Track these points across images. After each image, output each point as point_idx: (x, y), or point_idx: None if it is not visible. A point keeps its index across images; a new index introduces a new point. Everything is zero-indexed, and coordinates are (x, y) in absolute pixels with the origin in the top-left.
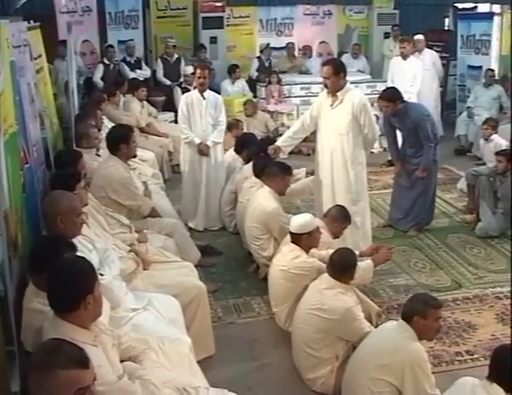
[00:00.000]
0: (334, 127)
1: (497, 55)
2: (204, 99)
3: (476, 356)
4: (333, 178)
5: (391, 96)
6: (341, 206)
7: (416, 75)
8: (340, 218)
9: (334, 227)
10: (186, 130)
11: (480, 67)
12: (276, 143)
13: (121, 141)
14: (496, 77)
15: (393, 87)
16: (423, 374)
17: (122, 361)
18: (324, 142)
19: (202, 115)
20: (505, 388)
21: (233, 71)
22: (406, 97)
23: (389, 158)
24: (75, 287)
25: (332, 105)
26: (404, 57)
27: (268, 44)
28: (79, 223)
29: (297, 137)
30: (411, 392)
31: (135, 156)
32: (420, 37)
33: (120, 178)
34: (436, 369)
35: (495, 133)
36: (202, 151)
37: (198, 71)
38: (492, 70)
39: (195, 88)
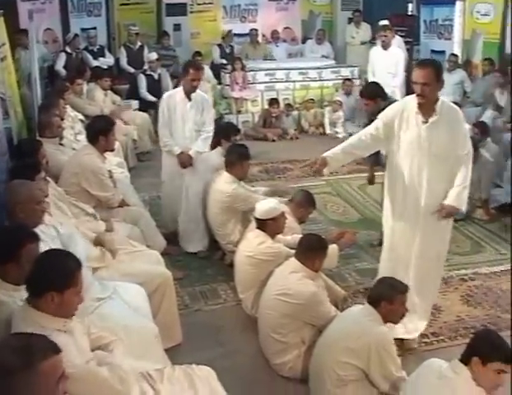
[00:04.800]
0: (431, 151)
1: (460, 40)
2: (190, 100)
3: (441, 338)
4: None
5: (372, 93)
6: (306, 191)
7: (398, 66)
8: (305, 203)
9: (300, 212)
10: (165, 137)
11: (443, 52)
12: (325, 154)
13: (100, 132)
14: (459, 62)
15: (375, 82)
16: (389, 357)
17: (92, 351)
18: (413, 171)
19: (185, 119)
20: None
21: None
22: (389, 91)
23: None
24: (48, 276)
25: (426, 122)
26: (385, 46)
27: (230, 31)
28: (40, 211)
29: (353, 151)
30: (378, 375)
31: (112, 150)
32: (385, 23)
33: (94, 167)
34: (399, 351)
35: None
36: (184, 162)
37: (192, 71)
38: (455, 55)
39: (176, 87)
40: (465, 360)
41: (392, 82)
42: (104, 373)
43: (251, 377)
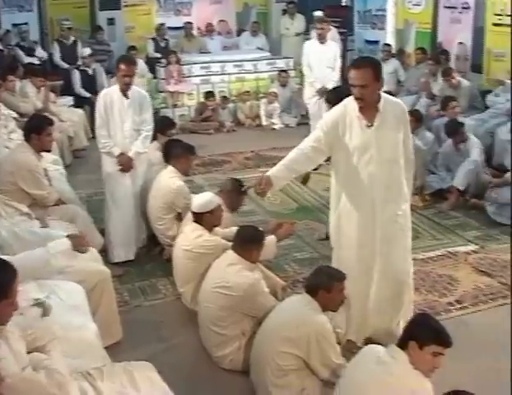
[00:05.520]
0: (381, 155)
1: (393, 30)
2: (127, 98)
3: None
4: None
5: (339, 98)
6: (234, 179)
7: (336, 59)
8: (235, 191)
9: (232, 201)
10: (103, 138)
11: (377, 42)
12: (268, 173)
13: (33, 131)
14: (393, 52)
15: (339, 87)
16: (328, 345)
17: (29, 352)
18: (365, 179)
19: (123, 118)
20: (414, 352)
21: (129, 53)
22: (330, 86)
23: None
24: None
25: (371, 125)
26: (322, 39)
27: (162, 24)
28: None
29: (296, 168)
30: (318, 363)
31: (48, 151)
32: (319, 14)
33: (30, 165)
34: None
35: None
36: (123, 164)
37: (123, 66)
38: (388, 45)
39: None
40: (402, 344)
41: (330, 76)
42: (40, 379)
43: (193, 371)
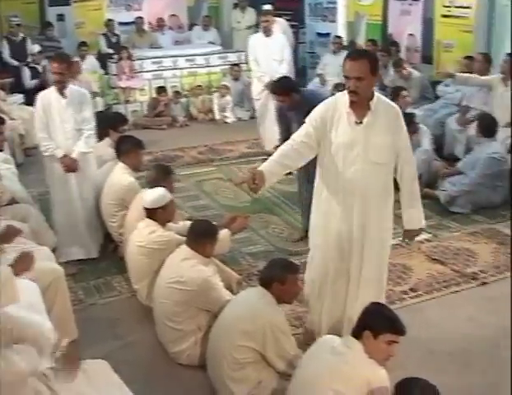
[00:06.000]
0: (368, 156)
1: (344, 22)
2: (65, 98)
3: None
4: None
5: (285, 88)
6: (157, 164)
7: (284, 52)
8: (162, 176)
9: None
10: (45, 141)
11: (328, 35)
12: (260, 168)
13: None
14: (344, 44)
15: (285, 77)
16: (283, 337)
17: None
18: (349, 178)
19: (63, 119)
20: (369, 341)
21: (80, 49)
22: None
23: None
24: None
25: (360, 122)
26: (267, 32)
27: (111, 20)
28: None
29: (288, 163)
30: (274, 355)
31: (1, 150)
32: (268, 7)
33: None
34: (299, 330)
35: None
36: (68, 166)
37: (54, 64)
38: (339, 37)
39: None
40: (357, 334)
41: (279, 69)
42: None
43: (150, 368)
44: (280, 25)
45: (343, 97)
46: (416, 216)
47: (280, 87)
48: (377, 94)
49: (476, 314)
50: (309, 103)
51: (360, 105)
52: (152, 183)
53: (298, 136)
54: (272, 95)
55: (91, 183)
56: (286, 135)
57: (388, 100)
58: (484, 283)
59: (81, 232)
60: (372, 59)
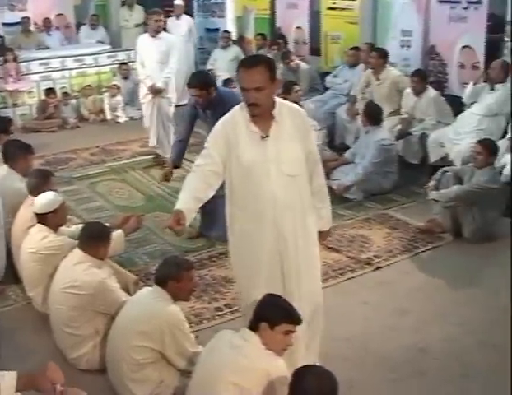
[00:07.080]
0: (281, 169)
1: (233, 17)
2: None
3: (235, 308)
4: (281, 255)
5: (202, 82)
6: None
7: (172, 53)
8: (45, 181)
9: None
10: None
11: (217, 30)
12: (178, 207)
13: None
14: (233, 38)
15: (203, 71)
16: (182, 335)
17: None
18: (267, 196)
19: None
20: (266, 332)
21: None
22: (162, 84)
23: (162, 154)
24: None
25: (266, 136)
26: (155, 33)
27: None
28: None
29: (201, 197)
30: (173, 354)
31: None
32: (179, 2)
33: None
34: (199, 327)
35: None
36: None
37: None
38: (228, 32)
39: None
40: (253, 326)
41: (164, 73)
42: None
43: None
44: (186, 22)
45: (241, 111)
46: (327, 215)
47: (196, 81)
48: (278, 99)
49: (370, 298)
50: (228, 101)
51: (263, 117)
52: (34, 191)
53: (204, 164)
54: (188, 90)
55: None
56: (184, 136)
57: (289, 103)
58: (378, 267)
59: None
60: (269, 64)
